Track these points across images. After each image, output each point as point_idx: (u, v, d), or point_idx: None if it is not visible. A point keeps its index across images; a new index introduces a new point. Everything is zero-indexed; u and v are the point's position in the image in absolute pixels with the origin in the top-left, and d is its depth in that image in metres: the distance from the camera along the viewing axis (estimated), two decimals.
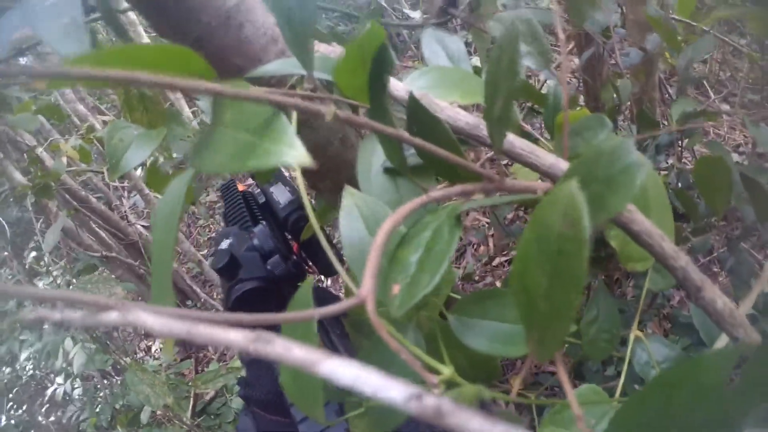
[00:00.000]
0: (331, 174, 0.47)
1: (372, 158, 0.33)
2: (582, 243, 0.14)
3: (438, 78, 0.36)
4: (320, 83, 0.34)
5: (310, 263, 0.78)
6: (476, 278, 1.83)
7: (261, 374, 0.61)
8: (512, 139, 0.30)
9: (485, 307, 0.33)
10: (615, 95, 0.96)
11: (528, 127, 0.51)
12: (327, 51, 0.40)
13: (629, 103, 1.20)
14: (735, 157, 2.10)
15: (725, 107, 2.28)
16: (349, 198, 0.29)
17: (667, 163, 1.07)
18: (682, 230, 0.94)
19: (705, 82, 2.40)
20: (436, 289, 0.45)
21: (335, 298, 0.74)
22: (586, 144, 0.33)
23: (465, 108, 0.35)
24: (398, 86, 0.33)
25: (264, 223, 0.71)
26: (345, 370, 0.13)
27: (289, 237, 0.77)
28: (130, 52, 0.22)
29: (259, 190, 0.83)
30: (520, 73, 0.20)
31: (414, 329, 0.31)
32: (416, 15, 1.86)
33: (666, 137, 0.94)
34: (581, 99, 1.99)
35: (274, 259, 0.63)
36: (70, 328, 1.95)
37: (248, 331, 0.16)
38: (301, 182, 0.29)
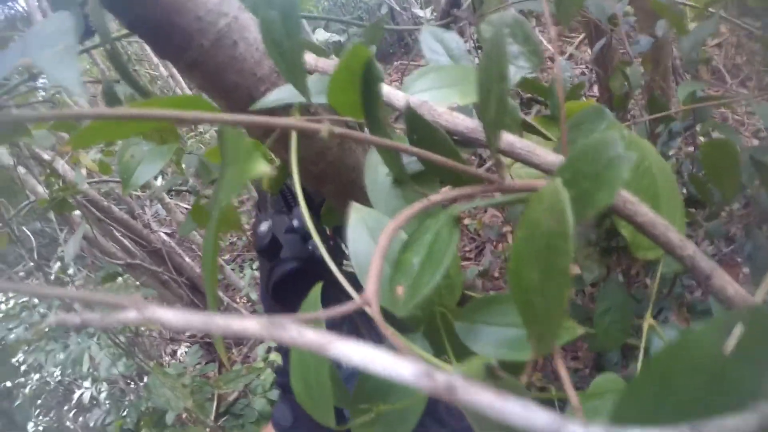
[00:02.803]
0: (333, 178, 0.49)
1: (378, 168, 0.34)
2: (567, 237, 0.15)
3: (436, 79, 0.37)
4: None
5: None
6: (496, 275, 1.83)
7: None
8: (512, 140, 0.30)
9: (490, 313, 0.33)
10: (625, 83, 0.96)
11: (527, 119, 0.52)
12: (326, 66, 0.41)
13: (640, 90, 1.19)
14: (755, 142, 2.07)
15: (743, 91, 2.24)
16: (355, 213, 0.30)
17: (691, 147, 1.06)
18: (699, 216, 0.93)
19: (722, 67, 2.36)
20: (449, 290, 0.45)
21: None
22: (585, 136, 0.33)
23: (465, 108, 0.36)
24: (398, 96, 0.34)
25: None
26: (356, 351, 0.14)
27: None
28: (155, 103, 0.25)
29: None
30: (509, 77, 0.21)
31: (421, 337, 0.32)
32: (425, 14, 1.87)
33: (678, 124, 0.93)
34: (595, 89, 1.97)
35: (314, 240, 0.64)
36: (95, 333, 1.99)
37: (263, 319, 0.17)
38: (299, 192, 0.30)
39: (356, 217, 0.31)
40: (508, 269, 0.18)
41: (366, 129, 0.30)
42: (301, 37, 0.33)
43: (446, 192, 0.25)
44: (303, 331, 0.14)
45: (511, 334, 0.33)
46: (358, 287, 0.24)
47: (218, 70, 0.41)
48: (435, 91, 0.36)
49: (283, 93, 0.38)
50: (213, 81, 0.42)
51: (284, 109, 0.42)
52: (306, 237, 0.64)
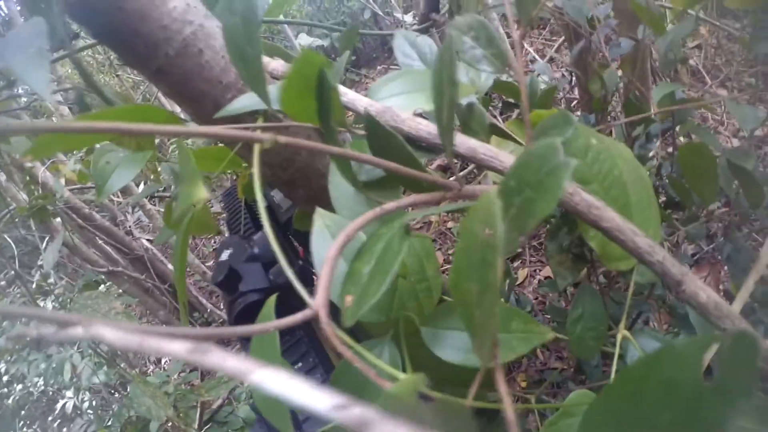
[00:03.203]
0: (302, 183, 0.48)
1: (340, 174, 0.33)
2: (496, 250, 0.14)
3: (403, 84, 0.36)
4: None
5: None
6: None
7: None
8: (475, 145, 0.30)
9: (455, 318, 0.33)
10: (602, 86, 0.96)
11: (500, 123, 0.51)
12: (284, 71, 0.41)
13: (617, 93, 1.20)
14: (735, 142, 2.09)
15: (722, 92, 2.27)
16: (319, 219, 0.30)
17: (671, 148, 1.06)
18: (679, 218, 0.93)
19: (701, 68, 2.38)
20: (427, 292, 0.45)
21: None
22: None
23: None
24: (362, 101, 0.34)
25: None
26: (273, 381, 0.14)
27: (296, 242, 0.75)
28: (112, 112, 0.25)
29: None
30: (459, 83, 0.21)
31: (389, 341, 0.32)
32: (408, 18, 1.87)
33: (657, 126, 0.93)
34: (576, 92, 1.98)
35: (276, 267, 0.61)
36: (77, 342, 1.96)
37: (190, 342, 0.16)
38: (264, 214, 0.29)
39: (320, 223, 0.31)
40: (449, 280, 0.17)
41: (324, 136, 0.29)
42: (260, 44, 0.32)
43: (401, 200, 0.25)
44: (225, 357, 0.13)
45: None
46: (332, 307, 0.23)
47: (184, 79, 0.41)
48: (401, 96, 0.36)
49: (248, 100, 0.38)
50: (179, 89, 0.42)
51: (251, 116, 0.42)
52: (268, 264, 0.62)
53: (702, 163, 0.61)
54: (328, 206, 0.35)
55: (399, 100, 0.35)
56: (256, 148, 0.31)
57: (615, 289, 0.98)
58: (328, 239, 0.30)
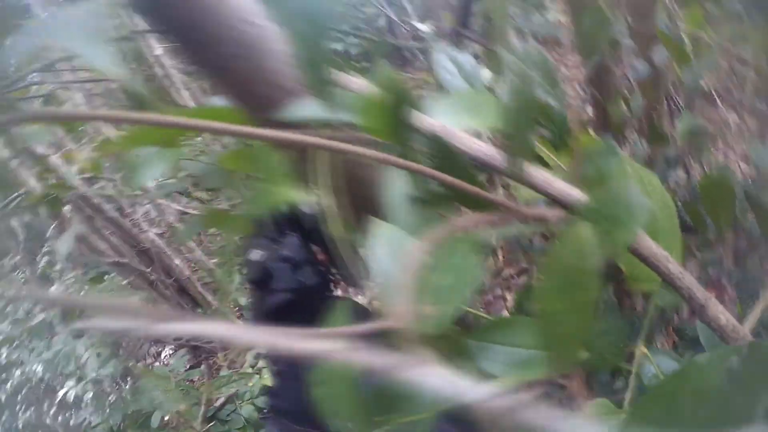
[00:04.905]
0: (344, 191, 0.49)
1: (396, 186, 0.35)
2: (593, 276, 0.16)
3: (456, 104, 0.38)
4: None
5: (335, 273, 0.78)
6: (485, 289, 1.83)
7: (290, 385, 0.62)
8: (530, 170, 0.32)
9: (501, 334, 0.35)
10: (626, 109, 0.98)
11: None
12: (347, 82, 0.42)
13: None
14: (743, 167, 2.10)
15: (733, 116, 2.28)
16: (378, 230, 0.31)
17: (686, 175, 1.08)
18: (691, 243, 0.95)
19: (713, 91, 2.39)
20: None
21: (365, 310, 0.74)
22: (597, 171, 0.35)
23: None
24: (418, 117, 0.35)
25: (294, 234, 0.72)
26: (434, 375, 0.15)
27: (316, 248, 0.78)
28: (199, 111, 0.26)
29: None
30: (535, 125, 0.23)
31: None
32: (424, 27, 1.89)
33: (675, 151, 0.95)
34: (589, 110, 1.99)
35: (305, 269, 0.64)
36: (81, 333, 1.96)
37: (331, 341, 0.17)
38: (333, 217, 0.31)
39: (380, 234, 0.32)
40: (535, 299, 0.19)
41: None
42: (329, 52, 0.33)
43: (471, 217, 0.27)
44: (382, 355, 0.15)
45: (522, 355, 0.34)
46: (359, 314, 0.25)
47: (245, 80, 0.41)
48: (456, 116, 0.37)
49: (308, 107, 0.38)
50: (239, 90, 0.42)
51: (305, 123, 0.42)
52: (297, 266, 0.64)
53: (721, 195, 0.64)
54: (367, 214, 0.36)
55: (454, 119, 0.36)
56: (323, 156, 0.33)
57: (627, 309, 0.99)
58: (385, 249, 0.31)
